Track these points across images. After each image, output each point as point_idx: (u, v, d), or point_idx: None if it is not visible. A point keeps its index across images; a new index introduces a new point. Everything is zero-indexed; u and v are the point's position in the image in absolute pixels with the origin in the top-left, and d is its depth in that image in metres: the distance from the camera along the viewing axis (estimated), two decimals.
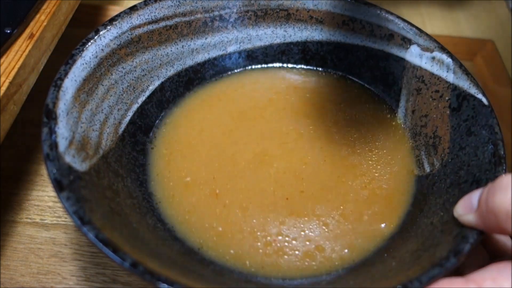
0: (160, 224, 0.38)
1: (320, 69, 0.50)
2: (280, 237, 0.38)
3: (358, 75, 0.48)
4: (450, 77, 0.41)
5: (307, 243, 0.38)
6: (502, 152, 0.35)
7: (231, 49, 0.48)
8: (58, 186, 0.30)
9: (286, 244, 0.37)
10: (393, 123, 0.46)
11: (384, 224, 0.39)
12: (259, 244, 0.37)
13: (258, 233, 0.38)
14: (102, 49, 0.40)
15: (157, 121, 0.45)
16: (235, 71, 0.49)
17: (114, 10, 0.62)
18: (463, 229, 0.31)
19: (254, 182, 0.41)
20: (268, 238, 0.38)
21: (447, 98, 0.41)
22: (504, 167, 0.34)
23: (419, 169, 0.42)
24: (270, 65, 0.50)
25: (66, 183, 0.31)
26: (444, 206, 0.36)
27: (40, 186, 0.44)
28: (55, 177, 0.30)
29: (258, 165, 0.42)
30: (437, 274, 0.28)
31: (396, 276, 0.31)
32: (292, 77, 0.50)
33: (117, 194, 0.36)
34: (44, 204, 0.43)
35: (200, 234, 0.38)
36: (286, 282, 0.36)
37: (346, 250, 0.37)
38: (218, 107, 0.46)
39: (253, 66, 0.50)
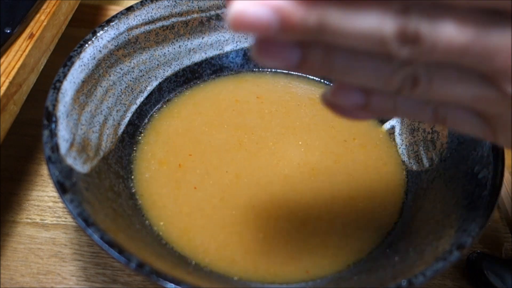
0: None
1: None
2: (281, 238, 0.38)
3: None
4: None
5: (308, 241, 0.38)
6: (501, 146, 0.35)
7: (228, 48, 0.48)
8: (61, 189, 0.30)
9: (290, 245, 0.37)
10: (381, 129, 0.46)
11: (385, 220, 0.39)
12: (256, 243, 0.37)
13: (259, 235, 0.37)
14: (99, 51, 0.40)
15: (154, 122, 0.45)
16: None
17: (114, 10, 0.62)
18: (465, 222, 0.31)
19: (249, 186, 0.40)
20: (272, 239, 0.37)
21: None
22: (503, 161, 0.34)
23: (418, 165, 0.42)
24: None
25: (69, 185, 0.31)
26: (444, 200, 0.36)
27: (40, 186, 0.44)
28: (58, 179, 0.30)
29: (252, 169, 0.42)
30: (441, 267, 0.28)
31: (400, 270, 0.31)
32: (289, 83, 0.49)
33: (118, 195, 0.36)
34: (44, 204, 0.43)
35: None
36: (291, 286, 0.35)
37: (348, 247, 0.37)
38: (215, 107, 0.46)
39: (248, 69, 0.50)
